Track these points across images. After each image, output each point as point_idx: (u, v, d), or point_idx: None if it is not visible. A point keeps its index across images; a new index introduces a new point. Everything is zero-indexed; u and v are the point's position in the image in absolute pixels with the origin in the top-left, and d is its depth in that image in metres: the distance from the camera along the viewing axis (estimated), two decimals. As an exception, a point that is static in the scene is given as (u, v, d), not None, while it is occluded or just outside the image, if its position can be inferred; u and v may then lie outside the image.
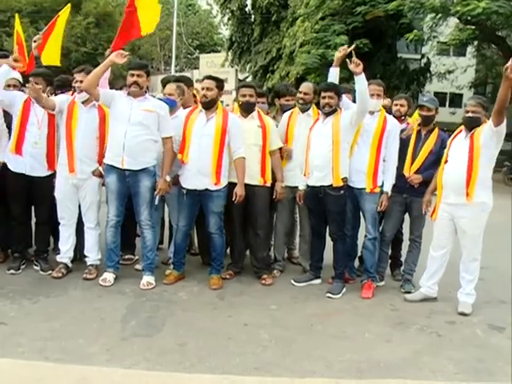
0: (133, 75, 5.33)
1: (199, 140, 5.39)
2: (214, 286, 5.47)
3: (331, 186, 5.40)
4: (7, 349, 3.96)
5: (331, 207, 5.48)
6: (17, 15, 8.82)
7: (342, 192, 5.43)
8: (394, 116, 5.81)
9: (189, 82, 6.23)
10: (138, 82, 5.31)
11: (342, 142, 5.38)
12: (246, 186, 5.52)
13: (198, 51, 33.39)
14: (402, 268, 6.04)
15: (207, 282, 5.54)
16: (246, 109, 5.72)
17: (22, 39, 8.15)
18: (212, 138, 5.39)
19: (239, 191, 5.43)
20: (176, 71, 24.93)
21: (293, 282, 5.75)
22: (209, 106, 5.46)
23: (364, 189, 5.49)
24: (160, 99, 5.69)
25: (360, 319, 4.95)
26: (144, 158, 5.31)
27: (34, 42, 6.85)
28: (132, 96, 5.35)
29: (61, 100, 5.52)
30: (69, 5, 8.34)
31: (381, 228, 5.81)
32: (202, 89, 5.46)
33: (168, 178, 5.38)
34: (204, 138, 5.39)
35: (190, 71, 26.94)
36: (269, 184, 5.76)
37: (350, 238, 5.74)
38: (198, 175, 5.39)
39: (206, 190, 5.42)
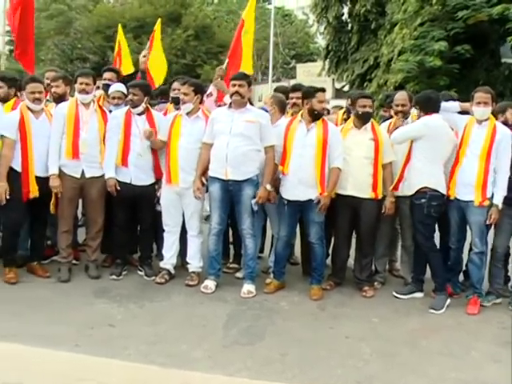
0: (234, 85, 5.41)
1: (301, 151, 5.37)
2: (314, 297, 5.43)
3: (413, 194, 5.36)
4: (115, 350, 4.12)
5: (413, 216, 5.41)
6: (120, 26, 9.20)
7: (422, 201, 5.31)
8: None
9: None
10: (239, 92, 5.38)
11: (414, 151, 5.37)
12: (355, 198, 5.50)
13: (294, 61, 33.54)
14: (511, 284, 5.75)
15: (308, 292, 5.51)
16: (366, 119, 5.63)
17: (122, 49, 8.50)
18: (314, 148, 5.36)
19: (325, 199, 5.37)
20: (273, 81, 25.10)
21: (395, 294, 5.62)
22: (319, 117, 5.44)
23: (472, 201, 5.26)
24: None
25: (465, 336, 4.75)
26: (247, 168, 5.36)
27: (144, 57, 7.09)
28: (234, 105, 5.42)
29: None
30: (159, 19, 8.72)
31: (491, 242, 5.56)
32: (321, 102, 5.40)
33: (269, 187, 5.39)
34: (306, 148, 5.37)
35: (287, 81, 27.01)
36: (379, 197, 5.63)
37: (454, 252, 5.55)
38: (299, 186, 5.37)
39: (309, 200, 5.40)
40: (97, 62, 26.58)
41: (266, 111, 5.70)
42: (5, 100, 5.81)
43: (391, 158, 5.66)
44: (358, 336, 4.61)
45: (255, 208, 5.44)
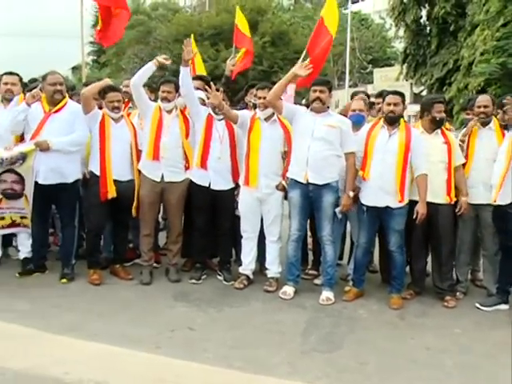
0: (315, 91, 5.41)
1: (382, 156, 5.31)
2: (394, 306, 5.34)
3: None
4: (195, 353, 4.18)
5: (507, 224, 5.23)
6: (192, 35, 9.46)
7: None
8: None
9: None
10: (320, 98, 5.39)
11: None
12: (430, 203, 5.35)
13: (371, 66, 33.16)
14: None
15: (387, 301, 5.42)
16: (441, 124, 5.56)
17: (196, 57, 8.72)
18: (395, 154, 5.28)
19: (421, 209, 5.26)
20: (350, 86, 24.94)
21: (478, 305, 5.43)
22: (395, 121, 5.37)
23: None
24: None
25: (554, 351, 4.53)
26: (327, 173, 5.34)
27: (233, 66, 7.17)
28: (315, 111, 5.42)
29: (243, 114, 5.76)
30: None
31: None
32: (389, 104, 5.36)
33: (351, 194, 5.36)
34: (387, 154, 5.30)
35: (364, 86, 26.76)
36: (453, 202, 5.53)
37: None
38: (379, 192, 5.31)
39: (387, 207, 5.32)
40: (175, 70, 27.17)
41: (351, 118, 5.68)
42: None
43: (462, 160, 5.57)
44: (439, 347, 4.49)
45: (339, 216, 5.44)
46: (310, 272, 6.17)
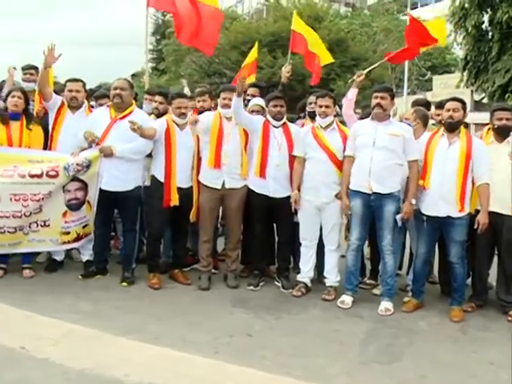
0: (376, 97, 5.37)
1: (442, 165, 5.22)
2: (455, 318, 5.21)
3: None
4: (253, 360, 4.20)
5: None
6: (257, 43, 9.46)
7: None
8: None
9: None
10: (381, 104, 5.34)
11: None
12: (495, 214, 5.23)
13: (430, 72, 32.57)
14: None
15: (447, 313, 5.30)
16: (503, 133, 5.39)
17: (253, 64, 8.74)
18: (456, 162, 5.18)
19: (483, 219, 5.13)
20: (408, 94, 24.55)
21: (543, 321, 5.25)
22: (454, 128, 5.26)
23: None
24: None
25: None
26: (390, 182, 5.29)
27: (288, 72, 7.13)
28: (376, 118, 5.38)
29: (303, 130, 5.81)
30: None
31: None
32: (448, 110, 5.27)
33: (413, 202, 5.28)
34: (448, 162, 5.21)
35: (423, 93, 26.27)
36: None
37: None
38: (439, 201, 5.22)
39: (448, 217, 5.21)
40: (233, 76, 27.37)
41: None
42: (161, 114, 6.14)
43: None
44: (503, 363, 4.35)
45: (399, 224, 5.36)
46: (368, 281, 6.11)
